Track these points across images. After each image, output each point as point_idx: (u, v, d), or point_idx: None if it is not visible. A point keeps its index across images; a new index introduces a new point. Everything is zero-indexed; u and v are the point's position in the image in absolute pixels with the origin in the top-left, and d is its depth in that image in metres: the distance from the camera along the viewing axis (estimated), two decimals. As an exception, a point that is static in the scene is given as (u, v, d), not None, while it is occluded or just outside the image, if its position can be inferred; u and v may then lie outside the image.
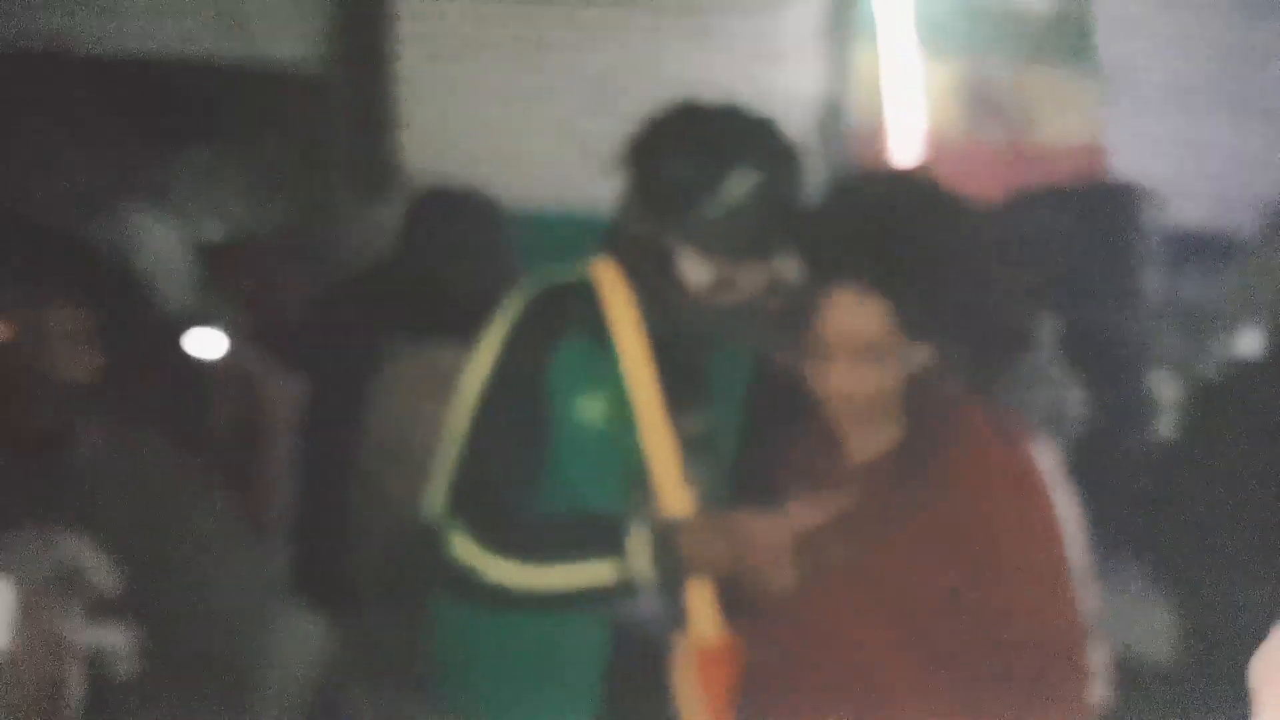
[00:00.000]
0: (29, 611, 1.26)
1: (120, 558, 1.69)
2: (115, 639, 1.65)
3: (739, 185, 1.58)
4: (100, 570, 1.67)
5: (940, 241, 1.60)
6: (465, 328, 1.91)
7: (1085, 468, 1.97)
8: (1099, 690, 1.59)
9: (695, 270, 1.61)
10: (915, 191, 1.68)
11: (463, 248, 2.27)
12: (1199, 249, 4.30)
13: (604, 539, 1.59)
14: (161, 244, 2.82)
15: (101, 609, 1.65)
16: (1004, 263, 1.66)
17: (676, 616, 1.65)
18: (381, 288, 2.46)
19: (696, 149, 1.61)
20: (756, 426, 1.75)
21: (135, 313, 2.04)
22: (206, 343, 2.66)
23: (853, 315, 1.57)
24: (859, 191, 1.76)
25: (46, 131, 3.22)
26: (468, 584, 1.63)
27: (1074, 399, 2.82)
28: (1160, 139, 4.50)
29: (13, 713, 1.27)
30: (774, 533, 1.55)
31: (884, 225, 1.60)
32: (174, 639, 1.72)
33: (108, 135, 3.31)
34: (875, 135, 4.12)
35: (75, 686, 1.50)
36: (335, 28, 3.43)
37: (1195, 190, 4.18)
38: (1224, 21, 4.95)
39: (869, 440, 1.65)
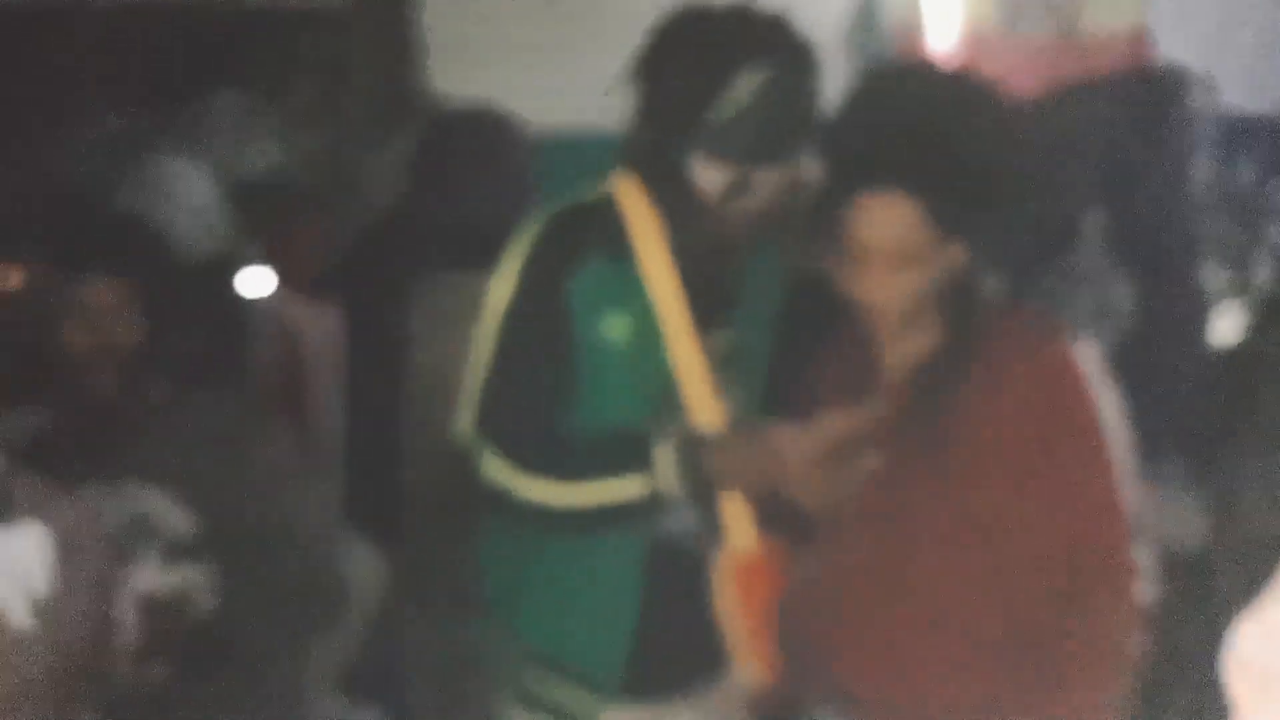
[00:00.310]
0: (72, 553, 1.30)
1: (191, 503, 1.76)
2: (192, 580, 1.72)
3: (746, 85, 1.54)
4: (170, 516, 1.74)
5: (975, 137, 1.55)
6: (492, 251, 1.90)
7: (1131, 365, 1.93)
8: (1144, 589, 1.57)
9: (708, 176, 1.58)
10: (946, 87, 1.63)
11: (479, 170, 2.26)
12: (1249, 134, 4.18)
13: (632, 454, 1.59)
14: (195, 189, 2.83)
15: (176, 553, 1.70)
16: (1042, 158, 1.61)
17: (713, 530, 1.65)
18: (409, 217, 2.46)
19: (701, 52, 1.57)
20: (789, 337, 1.74)
21: (176, 269, 2.08)
22: (249, 283, 2.69)
23: (887, 217, 1.53)
24: (889, 89, 1.70)
25: (72, 81, 3.23)
26: (500, 502, 1.65)
27: (1120, 295, 2.77)
28: (1207, 22, 4.34)
29: (61, 650, 1.32)
30: (803, 444, 1.54)
31: (916, 123, 1.55)
32: (248, 576, 1.79)
33: (134, 83, 3.32)
34: (912, 32, 4.01)
35: (129, 628, 1.55)
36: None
37: (1244, 74, 4.03)
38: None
39: (906, 347, 1.61)
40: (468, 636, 1.94)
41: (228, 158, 3.07)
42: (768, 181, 1.59)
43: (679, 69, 1.58)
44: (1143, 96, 3.39)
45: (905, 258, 1.54)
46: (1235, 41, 4.24)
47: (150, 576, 1.69)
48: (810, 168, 1.61)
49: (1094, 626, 1.53)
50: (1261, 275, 3.68)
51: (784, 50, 1.59)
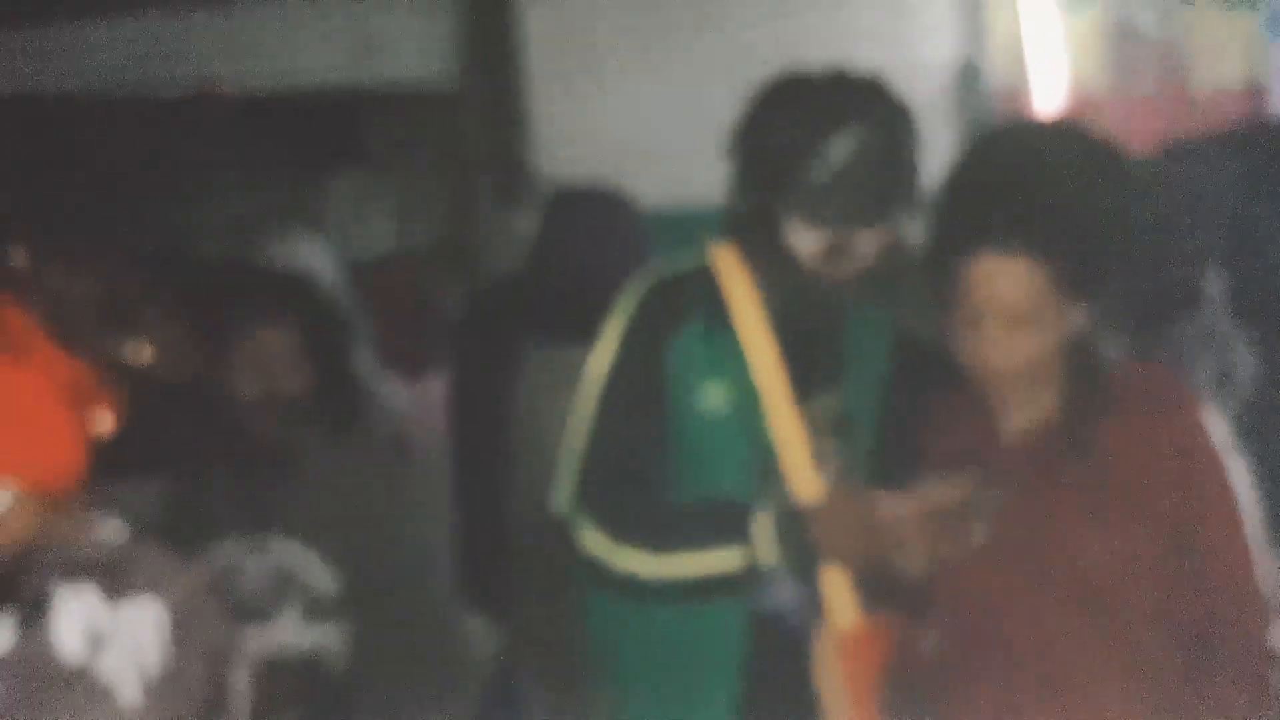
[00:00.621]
0: (187, 626, 1.33)
1: (333, 560, 1.80)
2: (330, 640, 1.75)
3: (842, 149, 1.55)
4: (315, 572, 1.78)
5: (1094, 195, 1.52)
6: (597, 322, 1.94)
7: (1257, 431, 1.87)
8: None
9: (805, 240, 1.59)
10: (1064, 144, 1.60)
11: (596, 245, 2.29)
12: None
13: (730, 525, 1.58)
14: (318, 268, 2.94)
15: (317, 611, 1.75)
16: (1164, 216, 1.58)
17: (815, 604, 1.63)
18: (522, 291, 2.51)
19: (797, 116, 1.58)
20: (899, 404, 1.72)
21: (337, 323, 2.21)
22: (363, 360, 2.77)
23: (1004, 278, 1.51)
24: (1004, 147, 1.69)
25: (206, 168, 3.39)
26: (598, 575, 1.66)
27: (1244, 358, 2.68)
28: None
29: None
30: (906, 512, 1.52)
31: (1037, 181, 1.53)
32: (379, 640, 1.83)
33: (262, 168, 3.47)
34: (1018, 95, 3.99)
35: (241, 694, 1.58)
36: (464, 43, 3.51)
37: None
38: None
39: (1025, 412, 1.58)
40: (577, 708, 1.95)
41: (347, 236, 3.18)
42: (866, 244, 1.59)
43: (775, 135, 1.60)
44: (1258, 152, 3.31)
45: (1025, 320, 1.51)
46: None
47: (290, 634, 1.72)
48: (910, 230, 1.60)
49: (1225, 708, 1.47)
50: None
51: (880, 113, 1.60)
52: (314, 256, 3.04)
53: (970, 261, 1.53)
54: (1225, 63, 4.20)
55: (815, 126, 1.56)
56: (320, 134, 3.45)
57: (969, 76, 3.96)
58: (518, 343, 2.41)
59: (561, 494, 1.70)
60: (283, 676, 1.68)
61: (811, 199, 1.57)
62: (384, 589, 1.93)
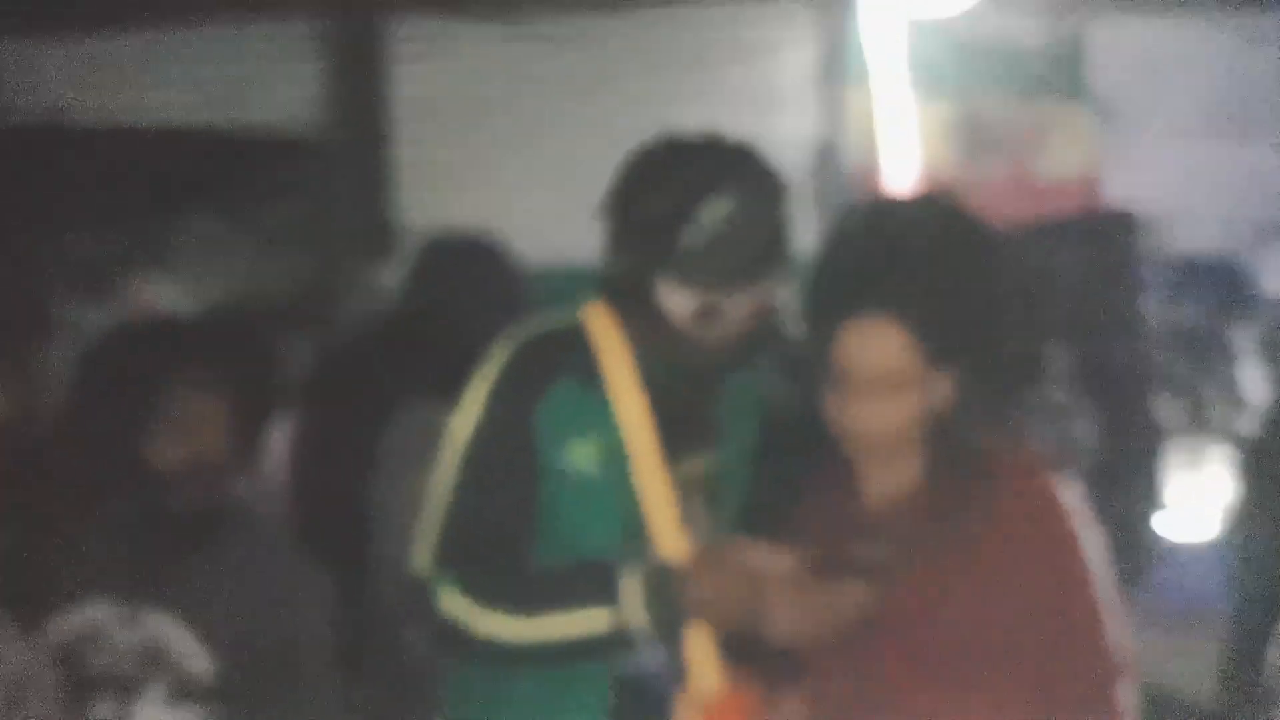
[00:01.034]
0: (18, 699, 1.24)
1: (209, 642, 1.68)
2: None
3: (715, 212, 1.57)
4: (188, 651, 1.66)
5: (961, 267, 1.57)
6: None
7: (1096, 500, 1.95)
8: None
9: (677, 301, 1.59)
10: (934, 216, 1.64)
11: (474, 294, 2.26)
12: (1197, 275, 4.31)
13: (597, 586, 1.56)
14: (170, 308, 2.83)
15: (185, 692, 1.65)
16: (1024, 291, 1.64)
17: (679, 668, 1.62)
18: (391, 345, 2.46)
19: (670, 180, 1.60)
20: (767, 468, 1.73)
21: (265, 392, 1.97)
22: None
23: (872, 344, 1.54)
24: (878, 217, 1.72)
25: (52, 205, 3.25)
26: (458, 640, 1.61)
27: (1085, 430, 2.82)
28: (1155, 168, 4.52)
29: None
30: (777, 572, 1.52)
31: (904, 250, 1.56)
32: None
33: (111, 207, 3.34)
34: (873, 177, 4.14)
35: None
36: (332, 90, 3.47)
37: (1191, 217, 4.19)
38: (1214, 50, 4.99)
39: (890, 479, 1.61)
40: None
41: (202, 280, 3.08)
42: (737, 308, 1.60)
43: (650, 198, 1.60)
44: (1095, 238, 3.51)
45: (891, 386, 1.55)
46: (1182, 189, 4.41)
47: (150, 712, 1.62)
48: (782, 294, 1.63)
49: None
50: (1214, 411, 3.77)
51: (753, 178, 1.62)
52: (164, 298, 2.93)
53: (841, 326, 1.56)
54: (1064, 153, 4.44)
55: (689, 190, 1.58)
56: (178, 173, 3.34)
57: (826, 156, 4.11)
58: (389, 397, 2.36)
59: (420, 554, 1.65)
60: None
61: (684, 261, 1.58)
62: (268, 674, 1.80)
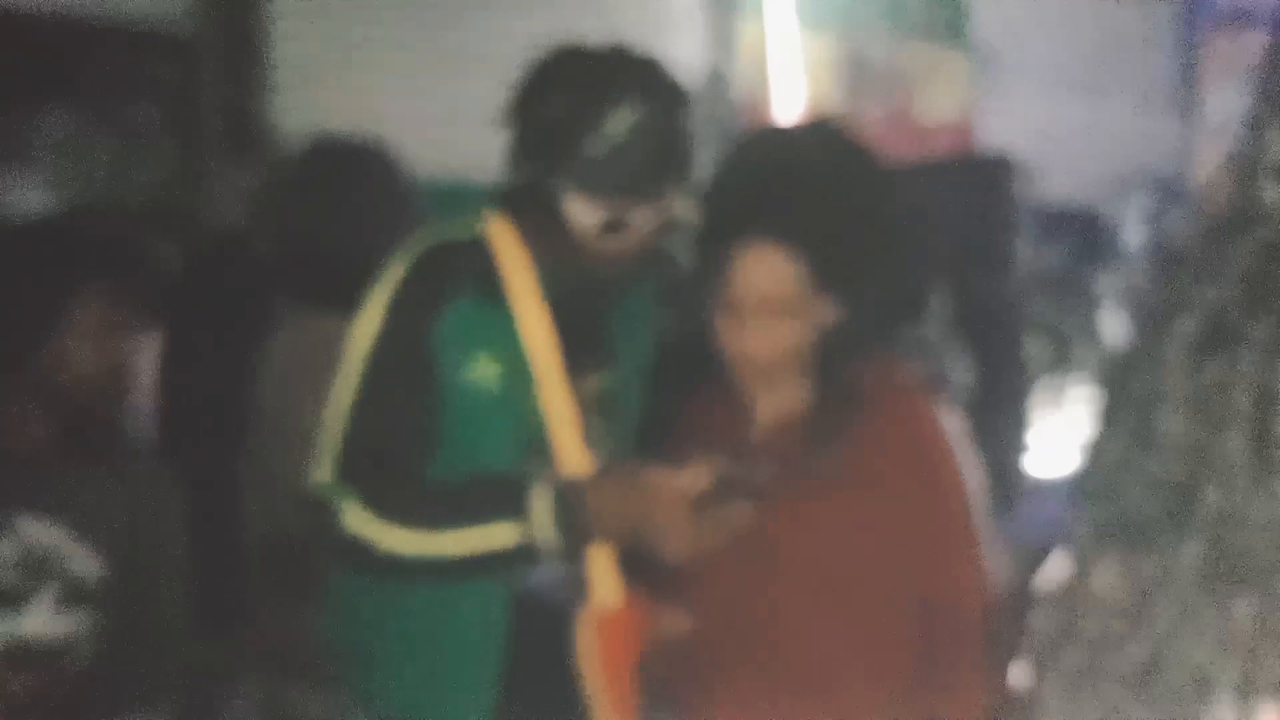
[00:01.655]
0: None
1: (96, 547, 1.61)
2: (83, 628, 1.58)
3: (621, 121, 1.54)
4: (76, 557, 1.59)
5: (852, 195, 1.58)
6: (357, 289, 1.84)
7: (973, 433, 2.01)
8: (1003, 647, 1.61)
9: (583, 212, 1.56)
10: (828, 143, 1.65)
11: (355, 201, 2.17)
12: (1064, 222, 4.46)
13: (505, 501, 1.54)
14: (24, 205, 2.67)
15: (74, 597, 1.58)
16: (909, 223, 1.66)
17: (577, 583, 1.62)
18: (265, 249, 2.35)
19: (576, 88, 1.56)
20: (660, 387, 1.73)
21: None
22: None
23: (763, 266, 1.54)
24: (773, 142, 1.73)
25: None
26: (360, 555, 1.56)
27: (955, 366, 2.89)
28: (1026, 117, 4.63)
29: None
30: (676, 488, 1.51)
31: (797, 175, 1.57)
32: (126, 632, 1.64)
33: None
34: (759, 106, 4.15)
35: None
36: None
37: (1058, 167, 4.32)
38: (1092, 6, 5.12)
39: (778, 402, 1.63)
40: (308, 703, 1.84)
41: (59, 176, 2.90)
42: (642, 219, 1.58)
43: (553, 106, 1.57)
44: (972, 181, 3.59)
45: (780, 309, 1.55)
46: (1050, 139, 4.53)
47: (43, 620, 1.54)
48: (684, 207, 1.61)
49: (952, 683, 1.57)
50: (1078, 352, 3.92)
51: (658, 89, 1.59)
52: (16, 192, 2.76)
53: (733, 249, 1.56)
54: (943, 96, 4.52)
55: (594, 98, 1.54)
56: (34, 65, 3.13)
57: (716, 83, 4.09)
58: (260, 306, 2.26)
59: (320, 469, 1.60)
60: (24, 668, 1.52)
61: (589, 171, 1.55)
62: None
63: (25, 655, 1.53)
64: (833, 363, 1.62)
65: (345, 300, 2.02)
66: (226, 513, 2.17)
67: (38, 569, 1.56)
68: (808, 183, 1.57)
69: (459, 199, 1.80)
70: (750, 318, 1.56)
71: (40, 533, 1.58)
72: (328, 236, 2.13)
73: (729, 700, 1.58)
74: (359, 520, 1.56)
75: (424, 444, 1.59)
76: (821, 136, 1.70)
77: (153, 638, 1.68)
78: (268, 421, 2.13)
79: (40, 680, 1.55)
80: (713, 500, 1.54)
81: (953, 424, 1.65)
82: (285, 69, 3.38)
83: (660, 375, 1.77)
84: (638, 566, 1.62)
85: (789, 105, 4.17)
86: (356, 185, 2.17)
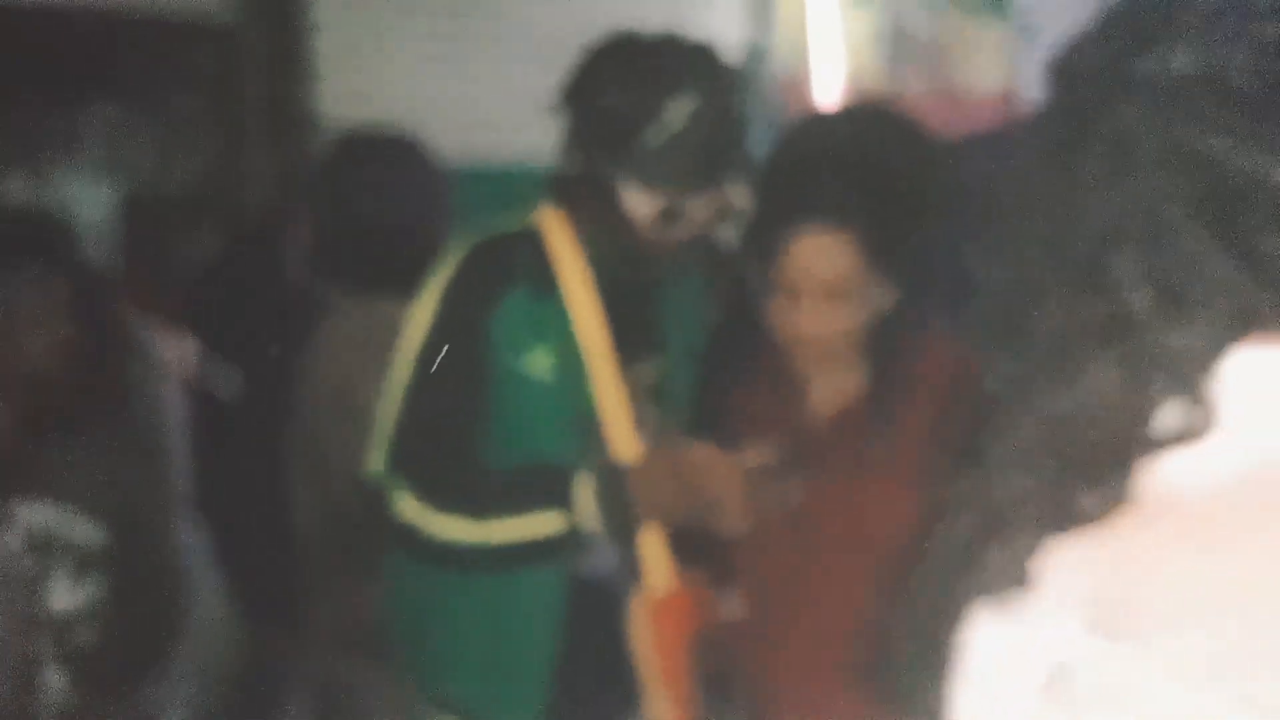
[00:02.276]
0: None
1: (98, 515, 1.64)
2: (99, 594, 1.61)
3: (679, 112, 1.53)
4: (78, 528, 1.62)
5: (909, 178, 1.57)
6: (403, 279, 1.85)
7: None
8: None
9: (640, 203, 1.56)
10: (885, 127, 1.64)
11: (395, 194, 2.19)
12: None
13: (551, 489, 1.55)
14: (78, 198, 2.70)
15: (86, 567, 1.61)
16: (964, 203, 1.64)
17: (631, 568, 1.62)
18: (311, 238, 2.37)
19: (633, 79, 1.56)
20: (714, 374, 1.73)
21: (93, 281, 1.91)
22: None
23: (821, 252, 1.54)
24: (830, 127, 1.72)
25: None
26: (414, 543, 1.59)
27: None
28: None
29: None
30: (724, 470, 1.52)
31: (855, 160, 1.56)
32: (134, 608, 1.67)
33: (15, 90, 3.15)
34: (800, 82, 4.11)
35: (50, 664, 1.45)
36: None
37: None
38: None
39: (833, 387, 1.62)
40: (382, 687, 1.86)
41: (109, 169, 2.94)
42: (699, 209, 1.57)
43: (610, 96, 1.56)
44: (1014, 153, 3.55)
45: (838, 294, 1.55)
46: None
47: (63, 596, 1.57)
48: (738, 193, 1.60)
49: None
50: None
51: (714, 77, 1.58)
52: (68, 185, 2.80)
53: (791, 234, 1.55)
54: (984, 68, 4.46)
55: (653, 88, 1.54)
56: (81, 59, 3.16)
57: (755, 58, 4.06)
58: (306, 293, 2.28)
59: (375, 458, 1.62)
60: (63, 642, 1.55)
61: (647, 162, 1.54)
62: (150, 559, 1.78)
63: (58, 630, 1.57)
64: (887, 346, 1.61)
65: (384, 285, 2.05)
66: (275, 498, 2.19)
67: (46, 548, 1.59)
68: (862, 166, 1.56)
69: (499, 184, 1.80)
70: (806, 302, 1.56)
71: (40, 514, 1.61)
72: (367, 223, 2.15)
73: (783, 681, 1.58)
74: (412, 509, 1.58)
75: (476, 435, 1.61)
76: (874, 118, 1.69)
77: (153, 598, 1.73)
78: (317, 405, 2.15)
79: (74, 651, 1.58)
80: (767, 478, 1.54)
81: None
82: (326, 58, 3.39)
83: (714, 363, 1.77)
84: (692, 550, 1.63)
85: (829, 80, 4.14)
86: (394, 173, 2.18)
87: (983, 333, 0.70)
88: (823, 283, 1.55)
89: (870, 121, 1.69)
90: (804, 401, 1.64)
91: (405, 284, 1.81)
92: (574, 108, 1.61)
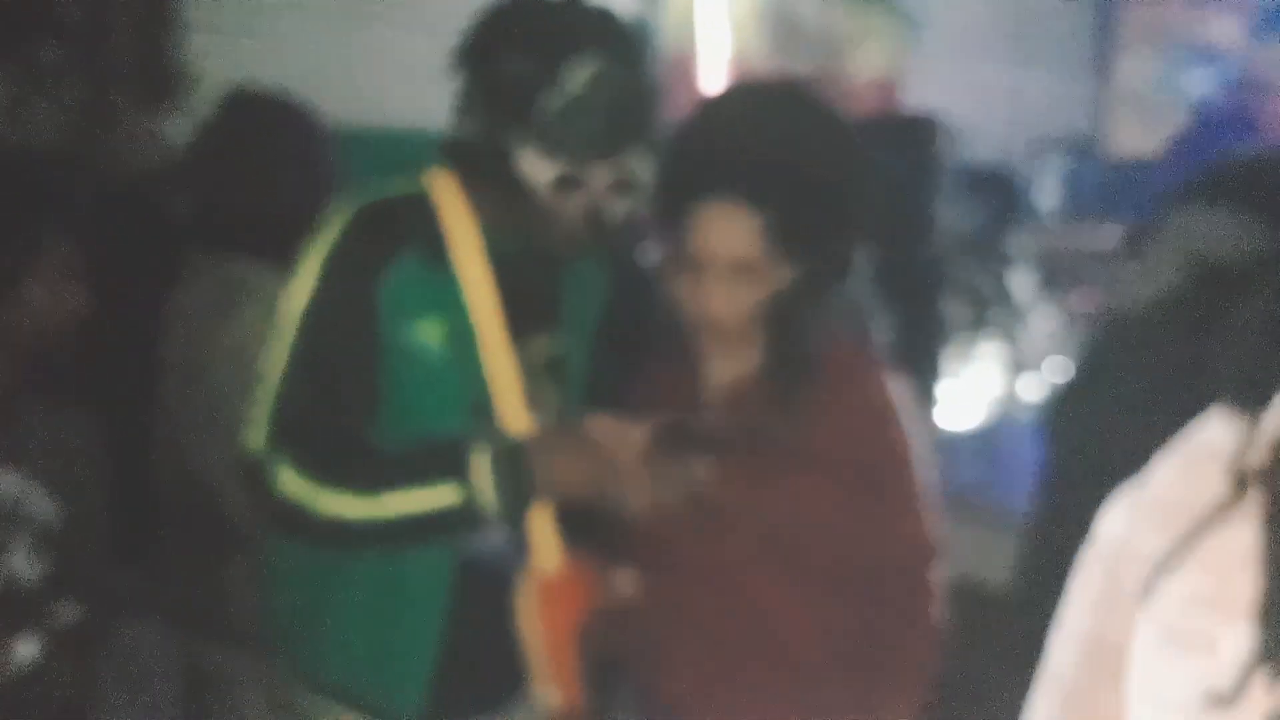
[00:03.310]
0: None
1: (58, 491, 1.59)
2: (54, 569, 1.56)
3: (579, 75, 1.50)
4: (40, 500, 1.57)
5: (821, 158, 1.57)
6: (277, 242, 1.79)
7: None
8: (941, 610, 1.64)
9: (537, 169, 1.52)
10: (793, 104, 1.63)
11: (274, 154, 2.11)
12: (980, 184, 4.51)
13: (446, 462, 1.50)
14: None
15: (45, 540, 1.55)
16: (869, 186, 1.65)
17: (519, 548, 1.59)
18: (179, 197, 2.28)
19: (531, 41, 1.51)
20: (611, 348, 1.70)
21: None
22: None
23: (730, 228, 1.52)
24: (736, 102, 1.70)
25: None
26: (297, 520, 1.52)
27: (880, 330, 2.90)
28: (949, 78, 4.67)
29: None
30: (625, 441, 1.49)
31: (761, 135, 1.54)
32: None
33: None
34: (686, 62, 4.11)
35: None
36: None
37: (976, 129, 4.36)
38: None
39: (730, 365, 1.61)
40: (259, 670, 1.80)
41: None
42: (597, 177, 1.54)
43: (509, 59, 1.51)
44: (900, 140, 3.60)
45: (740, 270, 1.54)
46: (969, 101, 4.57)
47: (20, 569, 1.50)
48: (640, 165, 1.57)
49: (897, 648, 1.59)
50: (994, 314, 3.99)
51: (614, 43, 1.55)
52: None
53: (694, 208, 1.54)
54: (869, 54, 4.52)
55: (552, 52, 1.50)
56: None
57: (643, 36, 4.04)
58: (171, 253, 2.19)
59: (254, 432, 1.54)
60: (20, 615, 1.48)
61: (545, 127, 1.50)
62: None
63: (14, 603, 1.51)
64: (784, 326, 1.61)
65: (256, 248, 1.98)
66: (139, 461, 2.11)
67: (9, 518, 1.52)
68: (775, 143, 1.55)
69: (389, 148, 1.75)
70: (710, 277, 1.55)
71: (5, 482, 1.54)
72: (242, 186, 2.08)
73: (678, 662, 1.58)
74: (295, 485, 1.51)
75: (363, 407, 1.55)
76: (790, 97, 1.68)
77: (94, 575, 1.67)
78: (176, 371, 2.07)
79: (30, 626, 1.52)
80: (665, 455, 1.53)
81: (899, 389, 1.66)
82: (200, 10, 3.25)
83: (610, 336, 1.75)
84: (585, 530, 1.61)
85: (716, 60, 4.14)
86: (273, 136, 2.11)
87: None
88: (727, 257, 1.54)
89: (786, 99, 1.68)
90: (702, 379, 1.63)
91: (278, 247, 1.75)
92: (469, 69, 1.55)
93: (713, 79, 4.06)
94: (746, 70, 4.12)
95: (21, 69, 3.04)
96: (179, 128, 2.68)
